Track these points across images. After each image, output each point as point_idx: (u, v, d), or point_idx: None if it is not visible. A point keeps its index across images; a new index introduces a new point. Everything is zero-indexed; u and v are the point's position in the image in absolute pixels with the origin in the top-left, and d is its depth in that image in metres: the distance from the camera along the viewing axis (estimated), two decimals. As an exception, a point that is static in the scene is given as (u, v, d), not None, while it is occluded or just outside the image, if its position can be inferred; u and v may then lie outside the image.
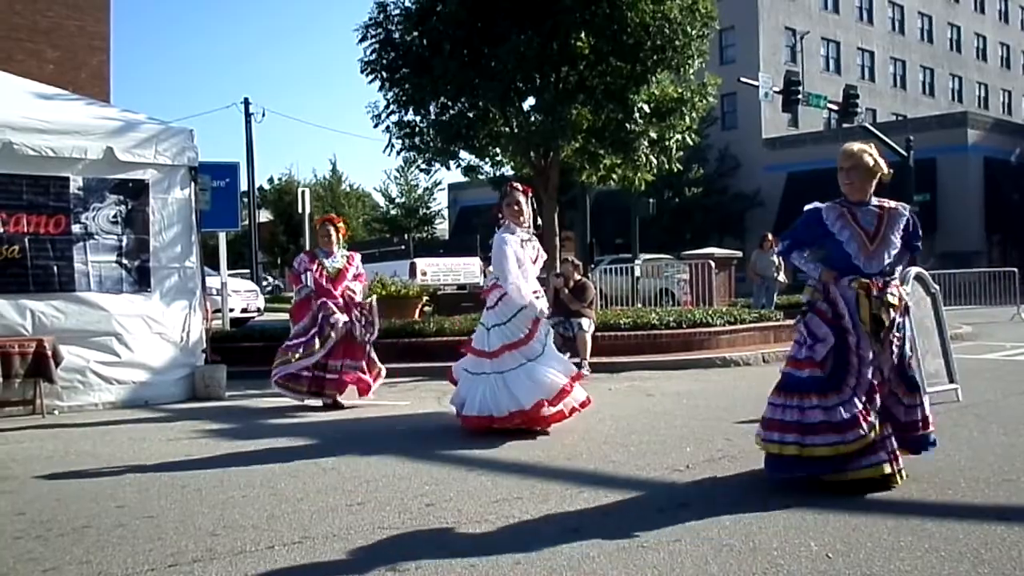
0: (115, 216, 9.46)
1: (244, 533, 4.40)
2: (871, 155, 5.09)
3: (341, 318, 8.87)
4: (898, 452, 4.96)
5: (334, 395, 8.95)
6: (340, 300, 8.99)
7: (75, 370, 9.03)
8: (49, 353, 8.65)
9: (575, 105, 14.78)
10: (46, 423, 8.31)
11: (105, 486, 5.56)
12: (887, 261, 5.04)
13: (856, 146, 5.16)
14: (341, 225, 9.49)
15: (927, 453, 5.21)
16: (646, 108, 15.37)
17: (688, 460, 5.88)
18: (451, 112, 15.85)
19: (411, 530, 4.39)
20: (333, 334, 8.82)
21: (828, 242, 5.09)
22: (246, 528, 4.50)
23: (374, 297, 9.66)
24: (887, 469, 4.85)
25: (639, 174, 16.49)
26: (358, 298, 9.18)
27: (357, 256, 9.49)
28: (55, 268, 9.04)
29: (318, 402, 8.96)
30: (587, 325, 11.51)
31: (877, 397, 4.89)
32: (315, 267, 9.11)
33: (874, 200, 5.10)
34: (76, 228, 9.19)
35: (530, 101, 16.12)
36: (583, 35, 14.52)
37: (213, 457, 6.50)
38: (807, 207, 5.23)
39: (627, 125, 15.31)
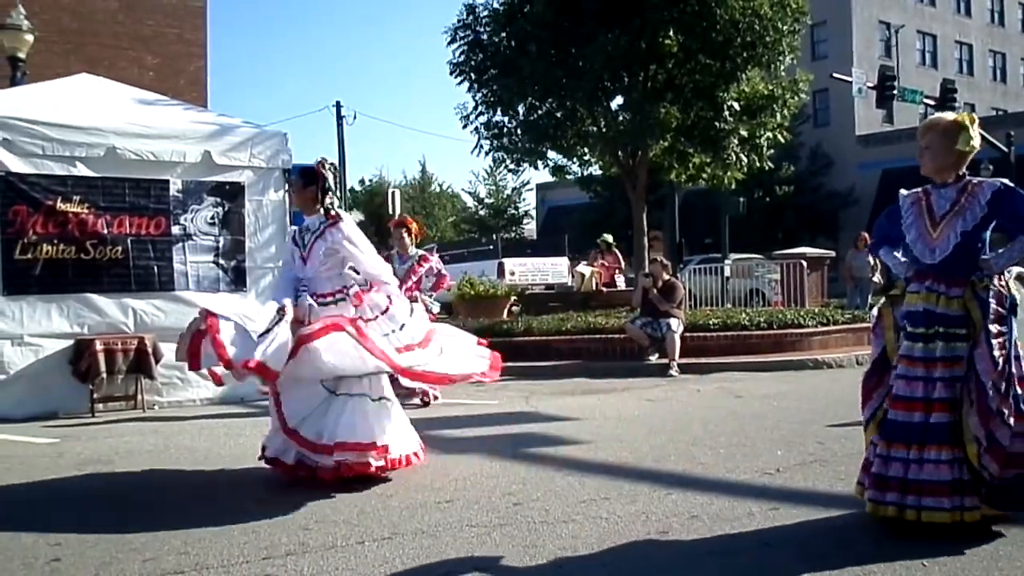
0: (212, 218, 9.72)
1: (335, 528, 4.48)
2: (952, 123, 4.28)
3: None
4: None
5: (405, 393, 9.05)
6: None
7: (174, 367, 9.27)
8: (150, 350, 8.95)
9: (664, 104, 14.69)
10: (146, 417, 8.59)
11: (202, 479, 5.71)
12: (952, 247, 4.18)
13: (936, 118, 4.42)
14: (414, 227, 9.59)
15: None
16: (736, 106, 15.21)
17: (779, 463, 5.78)
18: (539, 112, 15.90)
19: (499, 529, 4.42)
20: None
21: (904, 233, 4.41)
22: (337, 523, 4.57)
23: (421, 297, 9.26)
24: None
25: (729, 173, 16.32)
26: (425, 297, 9.21)
27: (433, 257, 9.55)
28: (156, 268, 9.33)
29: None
30: (676, 326, 11.43)
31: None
32: None
33: (967, 180, 4.28)
34: (175, 229, 9.47)
35: (618, 100, 16.10)
36: (671, 33, 14.42)
37: (305, 453, 6.63)
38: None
39: (717, 123, 15.17)
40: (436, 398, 9.04)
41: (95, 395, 8.81)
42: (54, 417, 8.48)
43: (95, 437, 7.56)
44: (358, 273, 5.80)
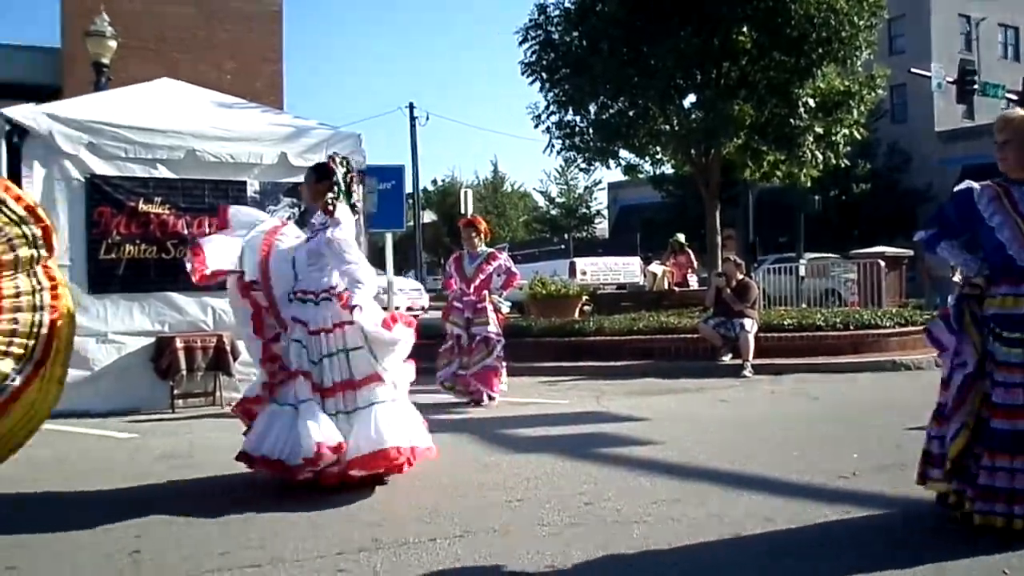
0: (288, 218, 9.84)
1: (407, 525, 4.53)
2: None
3: (452, 328, 9.20)
4: None
5: (466, 392, 9.10)
6: (473, 298, 9.12)
7: (251, 364, 9.43)
8: (228, 348, 9.13)
9: (737, 101, 14.52)
10: (224, 414, 8.74)
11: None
12: None
13: (1013, 113, 4.30)
14: (483, 226, 9.62)
15: None
16: (811, 102, 14.96)
17: (854, 467, 5.67)
18: (610, 111, 15.84)
19: (570, 528, 4.42)
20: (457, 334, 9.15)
21: (981, 230, 4.21)
22: (409, 520, 4.62)
23: (490, 296, 9.31)
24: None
25: (804, 170, 16.06)
26: (495, 296, 9.25)
27: (502, 255, 9.56)
28: (233, 267, 9.51)
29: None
30: (750, 326, 11.29)
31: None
32: (455, 269, 9.38)
33: None
34: (253, 230, 9.65)
35: (691, 98, 15.96)
36: (745, 30, 14.26)
37: (379, 451, 6.69)
38: (957, 188, 4.43)
39: (791, 120, 14.96)
40: (492, 398, 9.05)
41: (175, 391, 9.02)
42: (136, 412, 8.70)
43: (174, 432, 7.74)
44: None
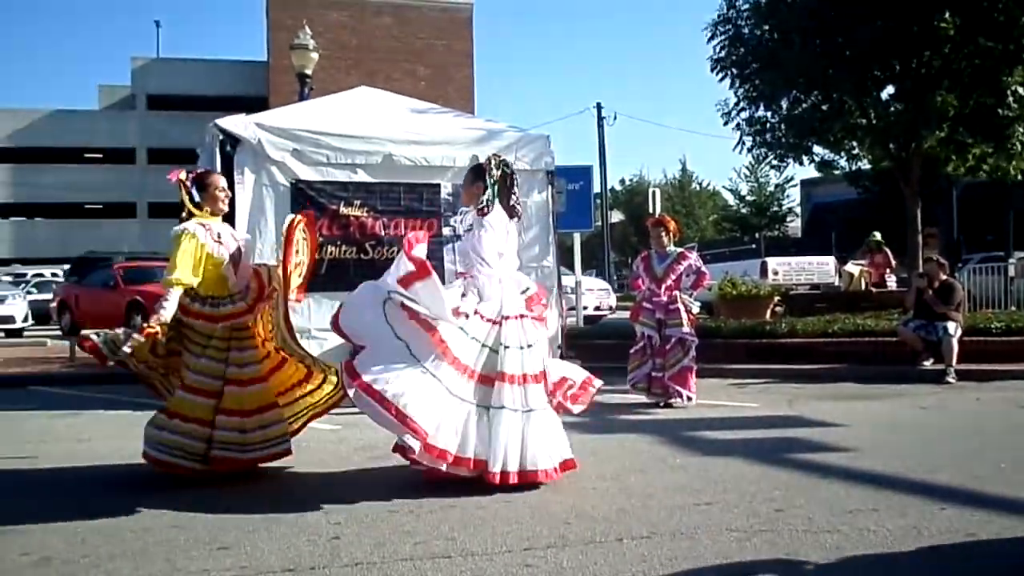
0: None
1: (595, 524, 4.57)
2: None
3: (643, 329, 9.14)
4: None
5: (660, 393, 9.04)
6: (664, 299, 9.05)
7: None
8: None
9: (939, 91, 13.85)
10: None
11: (469, 471, 5.96)
12: None
13: None
14: (672, 225, 9.51)
15: None
16: (1021, 90, 14.07)
17: (1069, 481, 5.34)
18: (803, 105, 15.40)
19: (759, 535, 4.35)
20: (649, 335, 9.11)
21: None
22: (597, 519, 4.66)
23: (681, 296, 9.20)
24: None
25: (1013, 163, 15.13)
26: (685, 296, 9.14)
27: (692, 254, 9.44)
28: (428, 267, 9.85)
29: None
30: (954, 329, 10.74)
31: None
32: (644, 269, 9.32)
33: None
34: (446, 231, 9.97)
35: (889, 89, 15.32)
36: (947, 15, 13.56)
37: (566, 449, 6.79)
38: None
39: (999, 110, 14.11)
40: (690, 399, 8.97)
41: (372, 387, 9.38)
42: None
43: (372, 425, 8.02)
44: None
